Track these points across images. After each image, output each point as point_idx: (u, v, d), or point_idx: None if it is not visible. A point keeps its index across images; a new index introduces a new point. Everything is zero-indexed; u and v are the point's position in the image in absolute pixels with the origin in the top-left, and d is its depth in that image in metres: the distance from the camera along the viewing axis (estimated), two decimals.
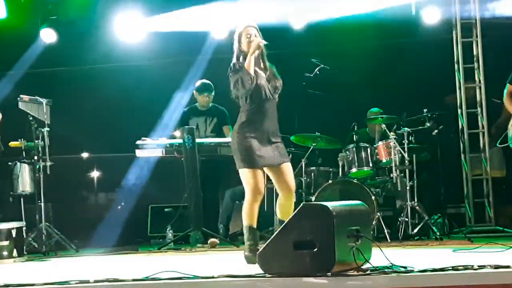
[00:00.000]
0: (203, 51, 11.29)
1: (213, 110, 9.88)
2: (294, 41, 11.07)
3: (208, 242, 9.22)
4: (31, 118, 9.13)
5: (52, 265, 7.70)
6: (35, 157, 9.10)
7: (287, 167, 6.67)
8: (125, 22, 10.91)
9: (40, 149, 9.11)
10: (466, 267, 4.77)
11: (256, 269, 4.96)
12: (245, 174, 6.59)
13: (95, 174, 11.73)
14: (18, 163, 9.26)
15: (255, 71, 6.55)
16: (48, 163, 9.11)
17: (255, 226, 6.68)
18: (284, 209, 6.64)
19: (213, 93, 9.84)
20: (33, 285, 5.01)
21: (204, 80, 9.94)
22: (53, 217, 9.58)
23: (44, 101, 9.19)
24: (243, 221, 6.67)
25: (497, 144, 7.60)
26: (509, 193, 7.90)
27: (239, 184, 10.37)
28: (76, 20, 10.97)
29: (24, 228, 8.58)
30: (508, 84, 7.24)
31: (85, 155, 11.68)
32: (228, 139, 9.45)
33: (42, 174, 9.08)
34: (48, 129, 9.16)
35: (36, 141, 9.10)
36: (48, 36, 10.92)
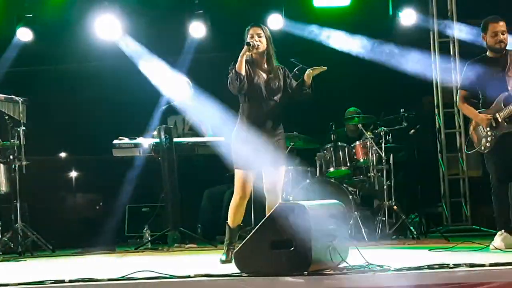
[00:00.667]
0: (183, 51, 11.29)
1: None
2: (272, 40, 11.05)
3: (186, 247, 9.19)
4: (6, 117, 9.06)
5: (27, 265, 7.65)
6: (11, 157, 9.03)
7: (277, 172, 6.72)
8: (103, 22, 10.85)
9: (16, 148, 9.04)
10: (441, 266, 4.79)
11: (233, 268, 4.95)
12: (235, 173, 6.69)
13: (72, 174, 11.66)
14: None
15: (255, 72, 6.67)
16: (24, 163, 9.04)
17: (233, 226, 6.72)
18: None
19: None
20: (7, 285, 4.97)
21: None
22: (29, 217, 9.51)
23: (20, 100, 9.13)
24: None
25: (464, 150, 7.67)
26: (486, 192, 7.95)
27: (217, 183, 10.43)
28: (53, 19, 10.90)
29: None
30: (459, 90, 7.33)
31: (62, 155, 11.61)
32: (205, 139, 9.46)
33: (18, 173, 9.01)
34: (24, 128, 9.09)
35: (12, 140, 9.03)
36: (24, 35, 10.85)
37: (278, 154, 6.71)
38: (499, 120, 6.98)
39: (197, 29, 10.89)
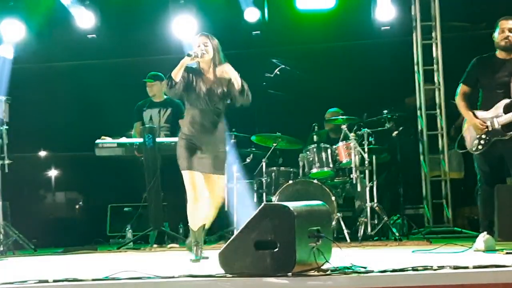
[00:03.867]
0: (165, 51, 11.29)
1: (168, 101, 9.86)
2: (254, 41, 11.08)
3: (168, 247, 9.18)
4: None
5: (9, 264, 7.60)
6: None
7: (216, 179, 6.94)
8: (85, 19, 10.84)
9: None
10: (425, 268, 4.80)
11: (216, 269, 4.95)
12: (183, 177, 6.86)
13: (53, 173, 11.62)
14: None
15: (198, 79, 6.88)
16: (7, 161, 9.00)
17: (195, 228, 6.87)
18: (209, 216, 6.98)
19: (159, 83, 9.77)
20: None
21: (153, 71, 9.93)
22: (11, 216, 9.46)
23: (2, 98, 9.08)
24: None
25: (455, 148, 7.67)
26: (467, 194, 7.98)
27: None
28: (35, 16, 10.86)
29: None
30: (461, 84, 7.29)
31: (43, 153, 11.56)
32: None
33: (0, 172, 8.97)
34: (7, 127, 9.06)
35: None
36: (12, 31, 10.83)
37: (218, 163, 6.90)
38: (496, 126, 6.96)
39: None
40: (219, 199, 7.11)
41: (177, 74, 6.72)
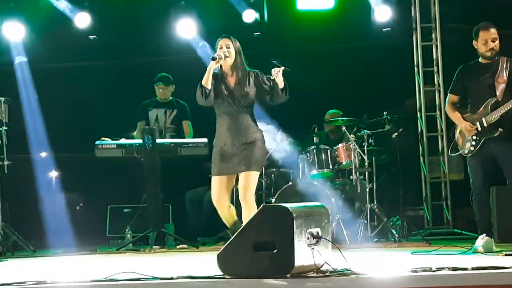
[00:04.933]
0: (166, 52, 11.30)
1: (173, 103, 9.92)
2: (254, 42, 11.07)
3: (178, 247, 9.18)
4: None
5: (9, 265, 7.60)
6: None
7: (244, 176, 6.86)
8: (84, 20, 10.85)
9: None
10: (424, 269, 4.80)
11: (216, 270, 4.94)
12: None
13: (53, 174, 11.60)
14: None
15: (222, 83, 6.91)
16: (6, 162, 9.00)
17: (229, 225, 7.04)
18: (243, 215, 6.90)
19: (169, 86, 9.83)
20: None
21: (164, 73, 9.94)
22: (11, 217, 9.46)
23: (2, 99, 9.08)
24: None
25: (449, 153, 7.71)
26: (467, 196, 7.97)
27: (199, 185, 10.43)
28: (36, 17, 10.86)
29: None
30: (449, 94, 7.38)
31: (43, 154, 11.55)
32: (188, 140, 9.44)
33: None
34: (6, 128, 9.06)
35: None
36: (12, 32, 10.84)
37: (248, 160, 6.84)
38: (485, 124, 7.01)
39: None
40: (251, 195, 6.92)
41: (208, 81, 6.77)
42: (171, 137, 9.66)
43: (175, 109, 9.86)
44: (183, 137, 9.71)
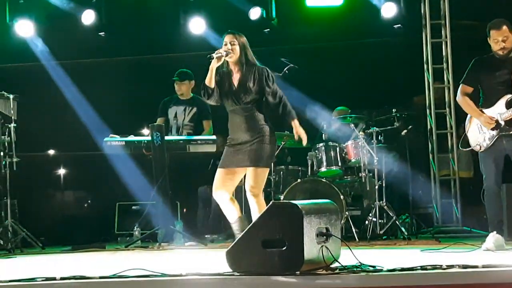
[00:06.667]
0: (175, 49, 11.30)
1: (194, 100, 9.81)
2: (263, 40, 11.06)
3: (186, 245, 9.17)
4: None
5: (17, 262, 7.60)
6: (1, 153, 8.99)
7: (249, 172, 6.82)
8: (92, 18, 10.87)
9: (6, 145, 9.00)
10: (434, 267, 4.77)
11: (225, 267, 4.93)
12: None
13: (61, 171, 11.62)
14: None
15: (227, 81, 6.87)
16: (15, 159, 9.02)
17: (231, 222, 6.94)
18: (252, 212, 6.87)
19: (188, 82, 9.79)
20: None
21: (182, 69, 9.90)
22: (19, 214, 9.47)
23: (11, 96, 9.09)
24: None
25: (459, 147, 7.65)
26: (476, 193, 7.95)
27: (206, 183, 10.40)
28: (45, 14, 10.87)
29: None
30: (462, 84, 7.32)
31: (51, 152, 11.57)
32: (197, 137, 9.41)
33: (8, 170, 8.97)
34: (15, 125, 9.07)
35: (3, 136, 9.00)
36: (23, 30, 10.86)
37: (255, 156, 6.78)
38: (500, 121, 6.98)
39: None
40: (259, 192, 6.88)
41: (210, 80, 6.75)
42: (188, 134, 9.62)
43: (195, 107, 9.80)
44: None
